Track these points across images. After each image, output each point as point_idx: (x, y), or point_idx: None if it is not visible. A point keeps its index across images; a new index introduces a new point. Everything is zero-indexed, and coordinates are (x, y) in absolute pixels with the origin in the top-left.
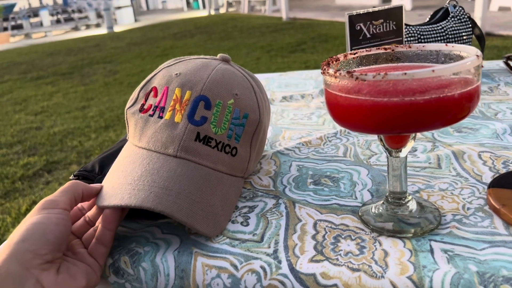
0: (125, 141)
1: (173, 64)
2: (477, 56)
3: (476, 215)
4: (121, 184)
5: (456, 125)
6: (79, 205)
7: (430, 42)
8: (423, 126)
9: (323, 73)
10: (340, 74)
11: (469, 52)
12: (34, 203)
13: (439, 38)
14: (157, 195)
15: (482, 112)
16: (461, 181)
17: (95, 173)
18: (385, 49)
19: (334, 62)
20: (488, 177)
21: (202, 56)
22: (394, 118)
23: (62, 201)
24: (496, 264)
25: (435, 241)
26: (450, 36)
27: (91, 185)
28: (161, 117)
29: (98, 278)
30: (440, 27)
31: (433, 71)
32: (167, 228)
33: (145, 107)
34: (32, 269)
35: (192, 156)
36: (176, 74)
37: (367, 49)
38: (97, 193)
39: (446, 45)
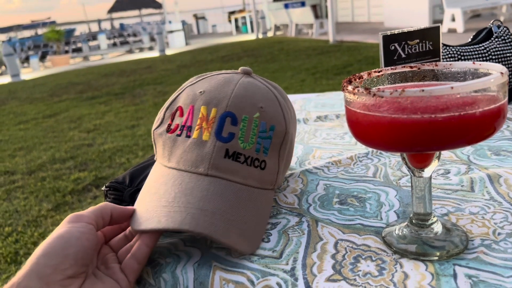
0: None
1: (196, 82)
2: (501, 73)
3: (507, 241)
4: (156, 207)
5: (495, 148)
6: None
7: None
8: (444, 144)
9: (342, 90)
10: (358, 90)
11: (496, 70)
12: None
13: (481, 59)
14: (193, 216)
15: None
16: (494, 205)
17: (125, 184)
18: (411, 67)
19: (357, 80)
20: None
21: (224, 71)
22: (413, 136)
23: (87, 216)
24: None
25: (460, 265)
26: (493, 57)
27: (123, 207)
28: (188, 136)
29: None
30: (482, 47)
31: (451, 88)
32: (190, 241)
33: (172, 127)
34: (51, 285)
35: (223, 173)
36: (200, 92)
37: (392, 67)
38: (129, 216)
39: (474, 63)
